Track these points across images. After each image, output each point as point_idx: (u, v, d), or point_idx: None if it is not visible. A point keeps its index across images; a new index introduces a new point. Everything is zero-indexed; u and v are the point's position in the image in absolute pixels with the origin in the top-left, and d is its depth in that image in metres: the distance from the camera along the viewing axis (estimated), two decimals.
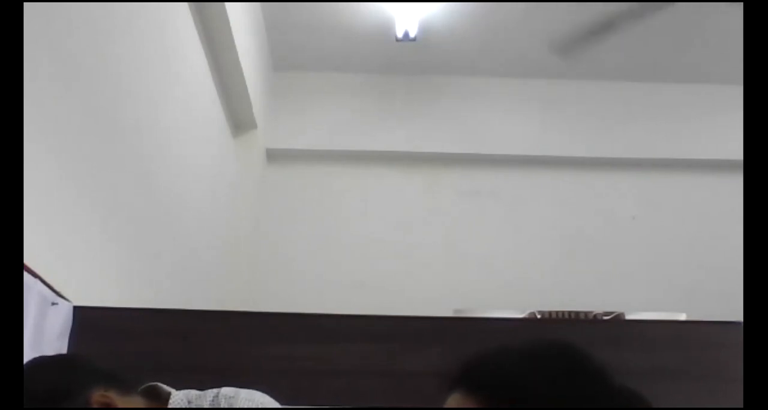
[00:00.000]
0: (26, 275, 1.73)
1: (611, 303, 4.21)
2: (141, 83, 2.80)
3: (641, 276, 4.91)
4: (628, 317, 3.98)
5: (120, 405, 1.24)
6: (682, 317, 3.82)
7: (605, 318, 3.97)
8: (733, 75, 4.44)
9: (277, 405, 1.34)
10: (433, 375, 2.05)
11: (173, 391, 1.33)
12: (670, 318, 3.77)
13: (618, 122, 5.30)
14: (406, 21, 4.56)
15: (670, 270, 4.92)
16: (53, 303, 1.92)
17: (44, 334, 1.87)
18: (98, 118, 2.38)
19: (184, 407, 1.30)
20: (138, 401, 1.29)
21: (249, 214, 4.77)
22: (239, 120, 4.50)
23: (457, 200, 5.19)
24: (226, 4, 3.57)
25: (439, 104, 5.30)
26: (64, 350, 1.98)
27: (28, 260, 1.68)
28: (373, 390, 2.13)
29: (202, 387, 1.34)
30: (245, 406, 1.29)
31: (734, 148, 4.68)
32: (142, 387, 1.33)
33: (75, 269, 2.15)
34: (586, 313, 4.04)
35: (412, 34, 4.62)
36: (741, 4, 3.30)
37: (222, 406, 1.28)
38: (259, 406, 1.30)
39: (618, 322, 3.65)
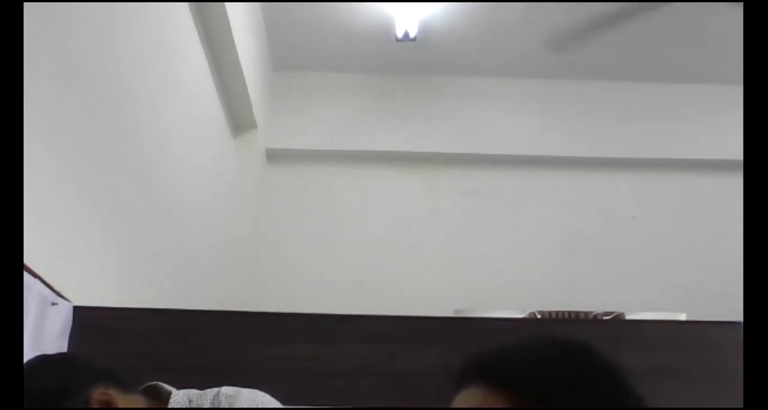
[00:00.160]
0: (26, 275, 1.73)
1: (611, 303, 4.21)
2: (141, 83, 2.80)
3: (641, 276, 4.91)
4: (628, 317, 3.97)
5: (121, 404, 1.23)
6: (682, 317, 3.81)
7: (605, 318, 3.97)
8: (733, 75, 4.44)
9: (278, 404, 1.34)
10: (434, 375, 2.06)
11: (174, 390, 1.33)
12: (670, 318, 3.76)
13: (618, 122, 5.29)
14: (406, 21, 4.56)
15: (670, 270, 4.92)
16: (53, 303, 1.92)
17: (44, 334, 1.87)
18: (98, 118, 2.38)
19: (184, 406, 1.30)
20: (139, 400, 1.29)
21: (249, 214, 4.77)
22: (239, 120, 4.50)
23: (457, 200, 5.19)
24: (226, 4, 3.57)
25: (439, 104, 5.30)
26: (64, 350, 1.98)
27: (28, 260, 1.68)
28: (373, 390, 2.13)
29: (202, 387, 1.34)
30: (246, 406, 1.29)
31: (734, 148, 4.68)
32: (143, 386, 1.33)
33: (75, 269, 2.15)
34: (586, 313, 4.04)
35: (412, 34, 4.61)
36: (741, 4, 3.31)
37: (222, 406, 1.28)
38: (260, 406, 1.30)
39: (618, 322, 3.64)
